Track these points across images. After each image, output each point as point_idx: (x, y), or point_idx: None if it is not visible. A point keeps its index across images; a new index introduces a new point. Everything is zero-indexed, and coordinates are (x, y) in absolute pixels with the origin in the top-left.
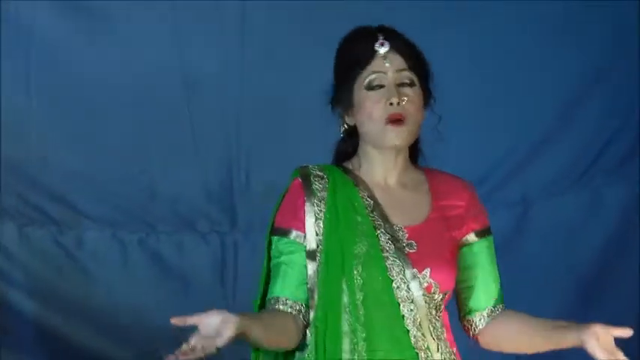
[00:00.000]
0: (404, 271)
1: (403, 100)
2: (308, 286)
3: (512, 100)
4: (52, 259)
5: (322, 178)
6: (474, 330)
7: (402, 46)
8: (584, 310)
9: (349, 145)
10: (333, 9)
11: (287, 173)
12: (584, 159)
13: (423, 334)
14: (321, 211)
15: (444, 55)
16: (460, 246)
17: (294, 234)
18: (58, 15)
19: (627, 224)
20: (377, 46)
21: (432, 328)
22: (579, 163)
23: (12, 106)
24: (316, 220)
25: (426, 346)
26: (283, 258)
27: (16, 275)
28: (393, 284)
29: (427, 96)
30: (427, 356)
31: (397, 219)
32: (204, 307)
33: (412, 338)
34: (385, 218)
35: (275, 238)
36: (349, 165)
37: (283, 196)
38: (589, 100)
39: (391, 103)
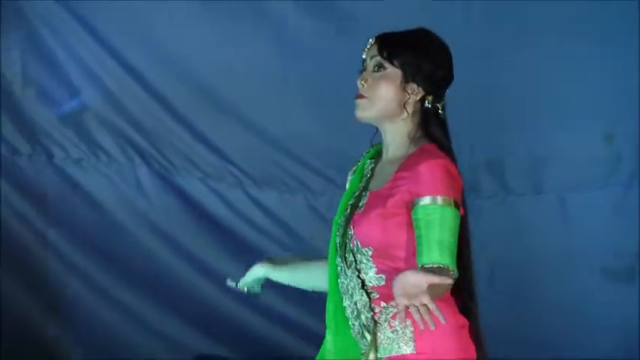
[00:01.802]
0: (341, 226)
1: (365, 81)
2: None
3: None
4: (306, 220)
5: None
6: None
7: (384, 38)
8: None
9: None
10: None
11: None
12: None
13: (348, 281)
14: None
15: None
16: (409, 210)
17: None
18: (306, 15)
19: None
20: (368, 41)
21: (353, 278)
22: None
23: (271, 89)
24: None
25: (350, 292)
26: None
27: (276, 232)
28: (337, 238)
29: (412, 79)
30: (351, 301)
31: (373, 185)
32: None
33: (340, 283)
34: (366, 184)
35: None
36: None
37: None
38: None
39: (359, 84)
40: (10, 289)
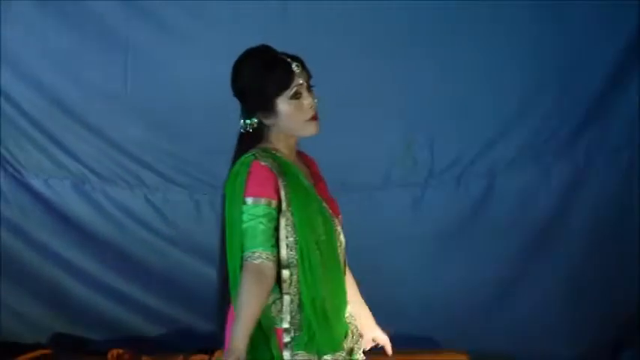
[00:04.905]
0: (333, 218)
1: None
2: (280, 237)
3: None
4: (141, 214)
5: (272, 159)
6: None
7: (304, 64)
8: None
9: (255, 136)
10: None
11: None
12: (537, 141)
13: (343, 265)
14: (282, 181)
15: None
16: None
17: (270, 202)
18: (151, 30)
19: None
20: (294, 67)
21: (344, 260)
22: (534, 144)
23: (113, 99)
24: (283, 189)
25: (344, 273)
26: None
27: (121, 221)
28: (337, 228)
29: None
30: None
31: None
32: None
33: (342, 267)
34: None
35: (249, 206)
36: (269, 150)
37: (248, 175)
38: (543, 93)
39: (315, 103)
40: None
